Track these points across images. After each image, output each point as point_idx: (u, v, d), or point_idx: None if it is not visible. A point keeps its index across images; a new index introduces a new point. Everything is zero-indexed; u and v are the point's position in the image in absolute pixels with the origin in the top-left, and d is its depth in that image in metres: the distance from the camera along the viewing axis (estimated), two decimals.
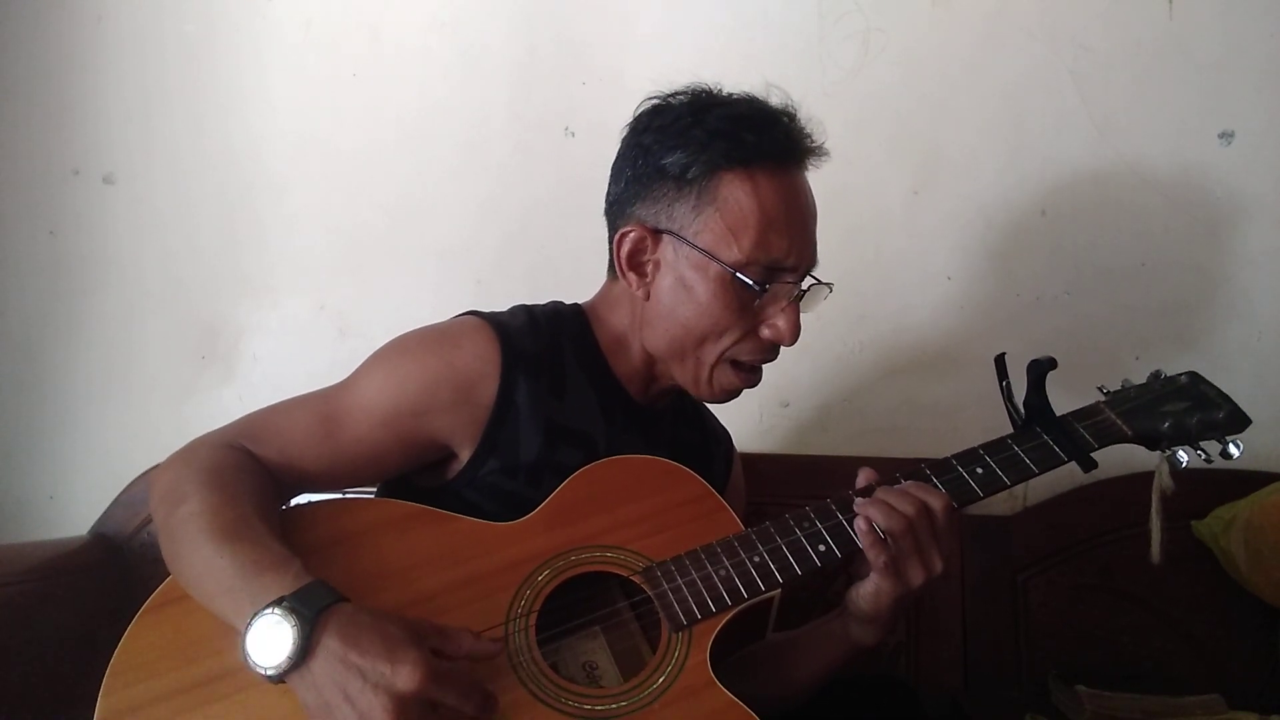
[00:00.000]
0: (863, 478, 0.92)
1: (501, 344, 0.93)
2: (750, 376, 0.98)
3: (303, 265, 1.69)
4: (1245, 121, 1.46)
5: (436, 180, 1.66)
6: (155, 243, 1.71)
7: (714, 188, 0.91)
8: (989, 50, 1.52)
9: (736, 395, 1.00)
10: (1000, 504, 1.50)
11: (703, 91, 0.97)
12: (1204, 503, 1.33)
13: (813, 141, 0.96)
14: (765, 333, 0.94)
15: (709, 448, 1.12)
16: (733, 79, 0.99)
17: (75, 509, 1.64)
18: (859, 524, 0.87)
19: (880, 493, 0.89)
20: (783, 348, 0.97)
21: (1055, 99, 1.50)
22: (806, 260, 0.95)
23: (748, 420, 1.56)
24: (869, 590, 0.88)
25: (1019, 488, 1.50)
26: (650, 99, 0.99)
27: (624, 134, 1.00)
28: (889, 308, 1.55)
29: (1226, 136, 1.47)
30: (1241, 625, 1.33)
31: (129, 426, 1.69)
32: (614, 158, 1.01)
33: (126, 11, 1.71)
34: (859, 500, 0.89)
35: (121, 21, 1.71)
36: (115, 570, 1.41)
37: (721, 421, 1.19)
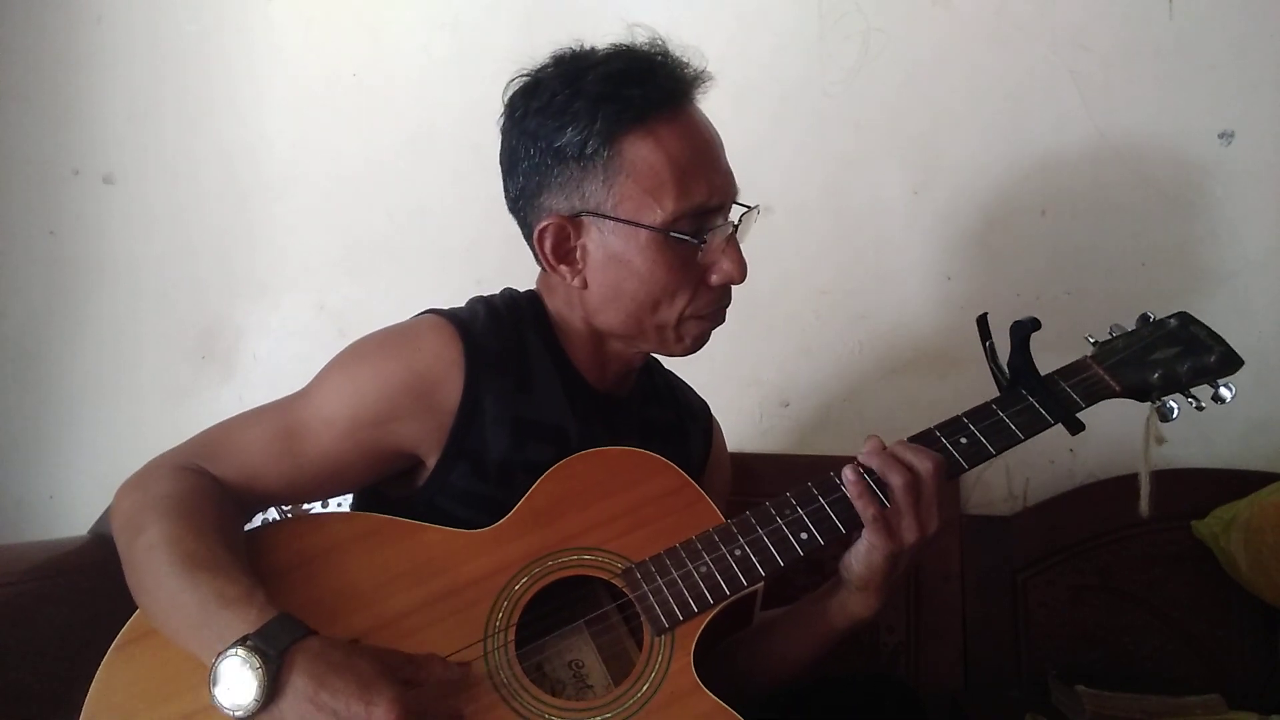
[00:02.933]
0: (870, 445, 0.90)
1: (464, 343, 0.90)
2: (715, 316, 0.95)
3: (302, 265, 1.69)
4: (1245, 121, 1.46)
5: (436, 180, 1.66)
6: (155, 243, 1.71)
7: (618, 155, 0.87)
8: (989, 50, 1.52)
9: (707, 340, 0.97)
10: (1000, 504, 1.51)
11: (566, 56, 0.93)
12: (1204, 503, 1.33)
13: (693, 70, 0.92)
14: (714, 279, 0.91)
15: (684, 425, 1.09)
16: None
17: (75, 509, 1.64)
18: (847, 473, 0.86)
19: (870, 454, 0.87)
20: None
21: (1055, 99, 1.50)
22: (728, 192, 0.91)
23: (748, 420, 1.56)
24: (861, 549, 0.86)
25: (1019, 487, 1.50)
26: (516, 77, 0.94)
27: (500, 122, 0.95)
28: (889, 307, 1.55)
29: (1226, 136, 1.46)
30: (1241, 625, 1.32)
31: (129, 426, 1.70)
32: (499, 149, 0.96)
33: (127, 11, 1.71)
34: (862, 454, 0.87)
35: (122, 21, 1.71)
36: (115, 570, 1.40)
37: (719, 424, 1.18)
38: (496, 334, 0.93)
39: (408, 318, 0.97)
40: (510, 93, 0.94)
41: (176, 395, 1.70)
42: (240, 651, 0.70)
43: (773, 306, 1.54)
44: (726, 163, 0.93)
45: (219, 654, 0.71)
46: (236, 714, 0.70)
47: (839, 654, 1.39)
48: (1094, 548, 1.40)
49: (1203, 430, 1.44)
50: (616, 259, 0.89)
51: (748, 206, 0.94)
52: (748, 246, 0.95)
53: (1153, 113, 1.48)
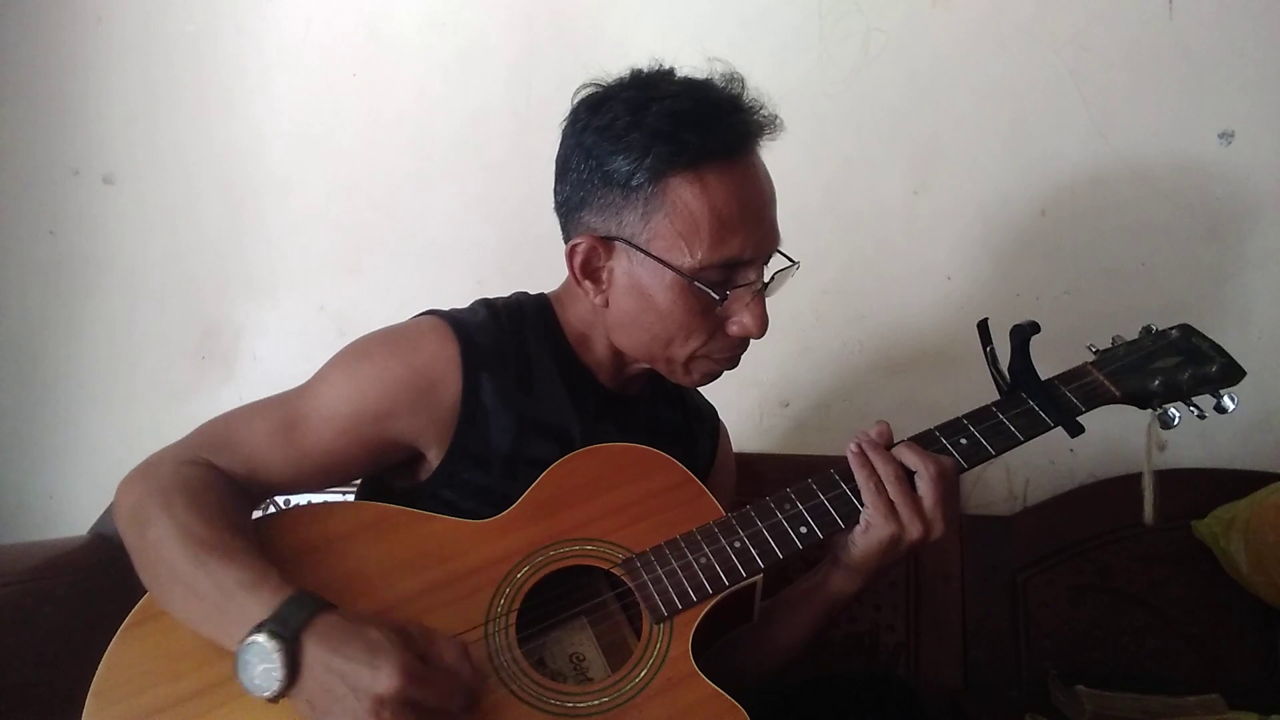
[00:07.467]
0: (876, 430, 0.93)
1: (460, 342, 0.91)
2: (727, 363, 0.96)
3: (302, 265, 1.69)
4: (1245, 121, 1.46)
5: (436, 180, 1.66)
6: (155, 243, 1.71)
7: (661, 193, 0.86)
8: (989, 50, 1.52)
9: (716, 378, 0.98)
10: (1000, 504, 1.51)
11: (641, 78, 0.91)
12: (1204, 503, 1.33)
13: (763, 118, 0.90)
14: (733, 330, 0.92)
15: (691, 426, 1.11)
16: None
17: (75, 509, 1.64)
18: (850, 446, 0.89)
19: (871, 447, 0.90)
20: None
21: (1055, 99, 1.50)
22: (766, 248, 0.91)
23: (748, 420, 1.56)
24: (860, 527, 0.88)
25: (1019, 487, 1.50)
26: (586, 87, 0.93)
27: (563, 124, 0.95)
28: (889, 307, 1.55)
29: (1226, 136, 1.47)
30: (1241, 625, 1.33)
31: (129, 426, 1.69)
32: (557, 150, 0.96)
33: (126, 11, 1.71)
34: (866, 442, 0.90)
35: (121, 21, 1.71)
36: (115, 570, 1.40)
37: (726, 427, 1.18)
38: (495, 333, 0.94)
39: (408, 318, 0.98)
40: (578, 99, 0.94)
41: (176, 395, 1.70)
42: (259, 638, 0.72)
43: (773, 306, 1.54)
44: (773, 216, 0.92)
45: (240, 642, 0.73)
46: (267, 695, 0.72)
47: (839, 654, 1.40)
48: (1094, 548, 1.40)
49: (1202, 430, 1.44)
50: (640, 290, 0.90)
51: (789, 259, 0.94)
52: None
53: (1153, 113, 1.48)
